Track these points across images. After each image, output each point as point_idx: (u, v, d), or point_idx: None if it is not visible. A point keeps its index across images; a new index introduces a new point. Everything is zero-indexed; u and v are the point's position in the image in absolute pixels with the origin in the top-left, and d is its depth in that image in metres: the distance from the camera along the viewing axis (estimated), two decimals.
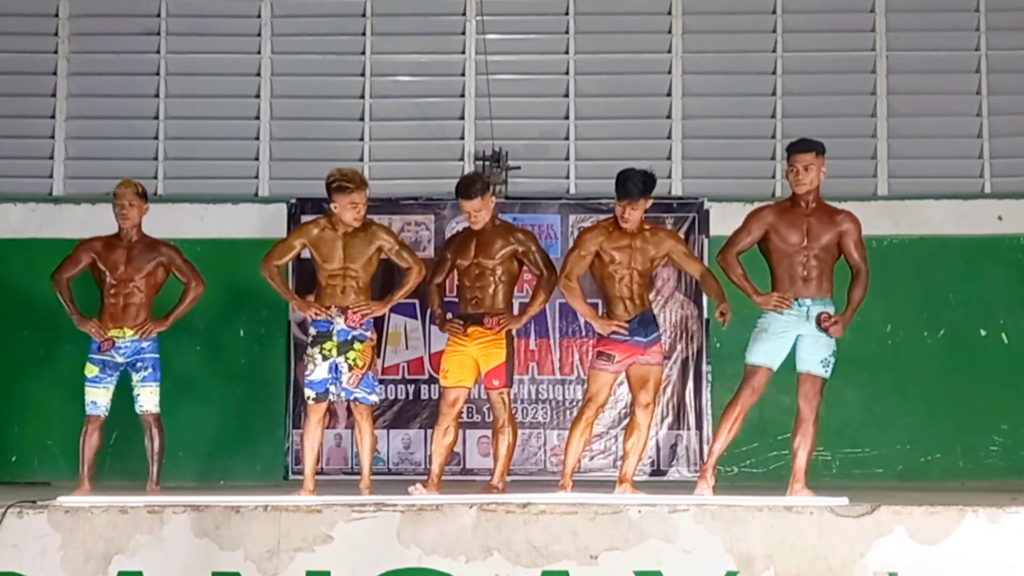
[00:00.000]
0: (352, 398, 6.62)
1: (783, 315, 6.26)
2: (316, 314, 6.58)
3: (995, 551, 5.32)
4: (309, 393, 6.60)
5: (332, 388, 6.58)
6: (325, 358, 6.55)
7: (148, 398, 7.07)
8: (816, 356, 6.25)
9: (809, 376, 6.28)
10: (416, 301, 8.42)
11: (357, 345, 6.56)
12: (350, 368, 6.54)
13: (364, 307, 6.58)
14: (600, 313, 6.75)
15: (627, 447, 6.60)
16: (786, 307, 6.25)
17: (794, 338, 6.29)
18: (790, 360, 6.37)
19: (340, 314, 6.56)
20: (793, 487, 6.24)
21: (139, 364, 7.05)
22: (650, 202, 6.58)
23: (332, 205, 6.56)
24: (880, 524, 5.36)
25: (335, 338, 6.55)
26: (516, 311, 7.00)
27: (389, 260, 6.76)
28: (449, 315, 6.93)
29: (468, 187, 6.75)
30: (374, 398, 6.70)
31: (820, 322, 6.22)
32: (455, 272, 6.96)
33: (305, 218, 8.17)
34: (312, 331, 6.63)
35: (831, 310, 6.26)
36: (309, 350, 6.61)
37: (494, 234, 6.81)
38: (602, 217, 7.92)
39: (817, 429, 6.29)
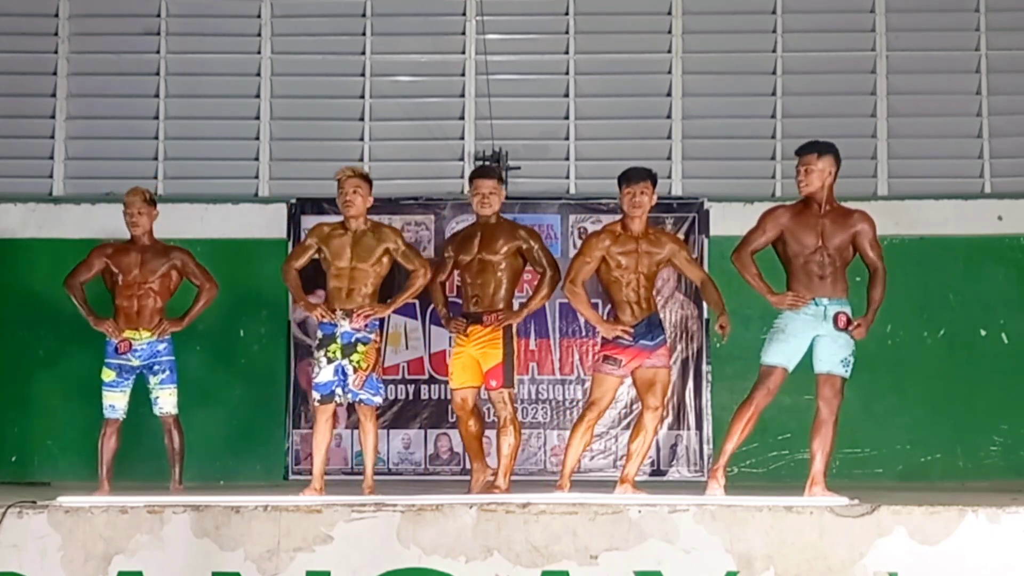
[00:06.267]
0: (357, 399, 6.68)
1: (800, 315, 6.21)
2: (321, 315, 6.62)
3: (995, 551, 5.31)
4: (315, 395, 6.70)
5: (338, 391, 6.62)
6: (330, 361, 6.61)
7: (167, 400, 7.18)
8: (836, 356, 6.19)
9: (829, 377, 6.20)
10: (416, 301, 8.41)
11: (360, 347, 6.61)
12: (355, 370, 6.59)
13: (368, 309, 6.63)
14: (605, 317, 6.75)
15: (631, 448, 6.58)
16: (802, 305, 6.22)
17: (811, 339, 6.22)
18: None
19: (345, 316, 6.60)
20: (811, 489, 6.14)
21: (156, 367, 7.15)
22: (655, 197, 6.58)
23: None
24: (880, 524, 5.35)
25: (339, 340, 6.60)
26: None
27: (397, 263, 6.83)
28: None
29: (486, 168, 7.14)
30: (378, 399, 6.76)
31: (838, 323, 6.18)
32: (457, 270, 6.97)
33: (305, 218, 8.22)
34: (319, 334, 6.71)
35: (848, 310, 6.22)
36: (316, 353, 6.70)
37: (498, 230, 6.82)
38: (603, 217, 7.96)
39: (836, 431, 6.21)
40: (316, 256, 6.78)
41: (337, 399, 6.65)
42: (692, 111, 8.86)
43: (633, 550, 5.36)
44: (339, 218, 6.83)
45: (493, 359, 6.70)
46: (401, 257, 6.76)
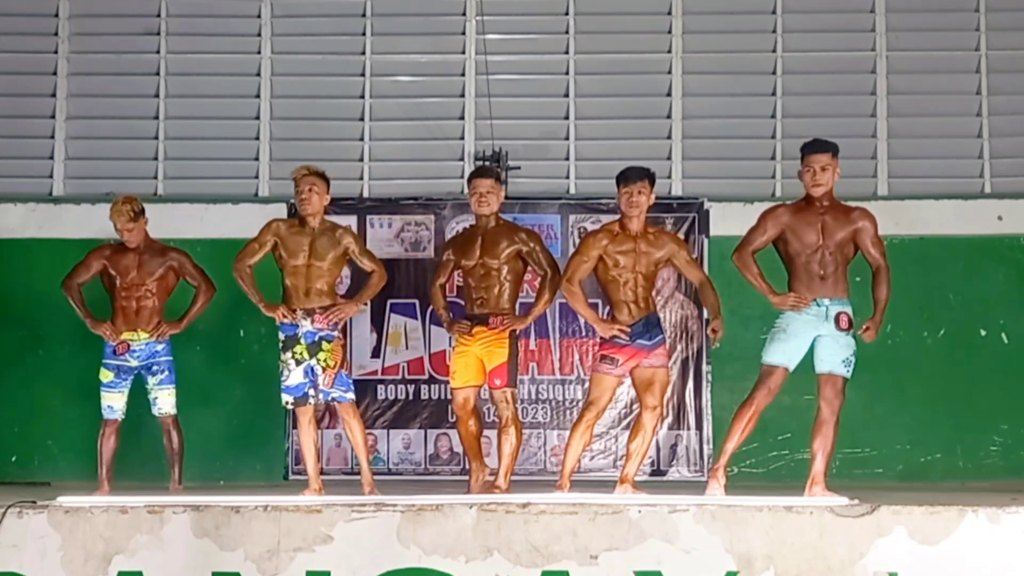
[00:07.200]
0: (330, 398, 6.65)
1: (801, 315, 6.21)
2: (284, 315, 6.59)
3: (995, 551, 5.32)
4: (287, 399, 6.65)
5: (311, 392, 6.60)
6: (298, 362, 6.58)
7: (166, 400, 7.19)
8: (838, 356, 6.18)
9: (831, 377, 6.19)
10: (416, 301, 8.44)
11: (325, 345, 6.58)
12: (323, 369, 6.57)
13: (335, 310, 6.58)
14: (603, 316, 6.75)
15: (631, 448, 6.58)
16: (804, 306, 6.22)
17: (812, 339, 6.21)
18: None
19: (306, 316, 6.58)
20: (812, 489, 6.14)
21: (154, 367, 7.17)
22: (653, 196, 6.58)
23: None
24: (880, 524, 5.36)
25: (303, 340, 6.57)
26: (519, 311, 6.99)
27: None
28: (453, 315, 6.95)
29: (484, 167, 7.18)
30: (351, 395, 6.70)
31: (839, 323, 6.18)
32: (459, 272, 6.97)
33: None
34: (280, 336, 6.65)
35: (849, 310, 6.22)
36: (282, 356, 6.63)
37: (498, 233, 6.81)
38: (603, 217, 7.96)
39: (837, 431, 6.20)
40: (271, 252, 6.72)
41: (311, 400, 6.63)
42: (692, 111, 8.85)
43: (633, 550, 5.36)
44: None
45: (499, 358, 6.70)
46: (357, 259, 6.76)
